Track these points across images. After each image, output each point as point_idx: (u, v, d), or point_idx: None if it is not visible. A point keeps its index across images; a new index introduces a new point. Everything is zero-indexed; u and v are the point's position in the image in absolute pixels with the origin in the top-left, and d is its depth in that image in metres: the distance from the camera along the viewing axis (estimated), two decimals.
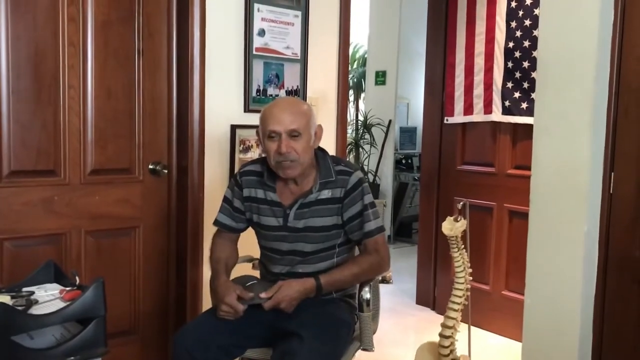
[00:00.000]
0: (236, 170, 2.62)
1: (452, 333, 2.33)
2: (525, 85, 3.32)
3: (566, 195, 2.19)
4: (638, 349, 2.14)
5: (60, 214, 2.45)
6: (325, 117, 3.05)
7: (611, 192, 2.17)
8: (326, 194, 2.03)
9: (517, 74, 3.36)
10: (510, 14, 3.38)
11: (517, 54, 3.35)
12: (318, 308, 1.98)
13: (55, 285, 1.72)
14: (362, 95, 6.93)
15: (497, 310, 3.57)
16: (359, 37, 6.64)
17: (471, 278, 2.36)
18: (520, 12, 3.32)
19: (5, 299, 1.49)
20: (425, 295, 4.11)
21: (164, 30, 2.67)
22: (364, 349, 2.10)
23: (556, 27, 2.23)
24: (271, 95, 2.88)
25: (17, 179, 2.35)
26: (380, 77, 6.34)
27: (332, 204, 2.03)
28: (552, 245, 2.25)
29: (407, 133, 6.66)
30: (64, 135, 2.43)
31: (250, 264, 2.38)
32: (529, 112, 3.22)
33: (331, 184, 2.03)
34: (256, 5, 2.80)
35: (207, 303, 2.56)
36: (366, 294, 2.03)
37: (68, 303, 1.51)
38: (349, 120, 5.10)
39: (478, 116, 3.63)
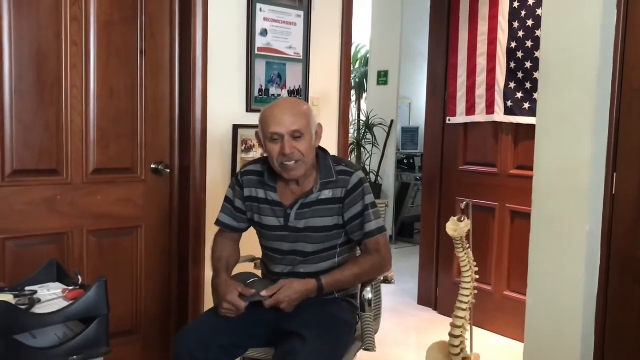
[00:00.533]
0: (238, 170, 2.62)
1: (461, 332, 2.33)
2: (528, 85, 3.32)
3: (568, 195, 2.19)
4: None
5: (63, 214, 2.45)
6: (327, 117, 3.05)
7: (613, 192, 2.17)
8: (327, 194, 2.03)
9: (520, 74, 3.36)
10: (513, 14, 3.38)
11: (520, 54, 3.34)
12: (320, 308, 1.98)
13: (57, 284, 1.72)
14: (364, 95, 6.93)
15: (499, 310, 3.57)
16: (361, 37, 6.64)
17: (477, 276, 2.36)
18: (523, 12, 3.32)
19: (8, 298, 1.49)
20: (427, 295, 4.11)
21: (166, 30, 2.67)
22: (365, 349, 2.10)
23: (559, 27, 2.22)
24: (273, 95, 2.88)
25: (19, 179, 2.35)
26: (383, 77, 6.34)
27: (333, 204, 2.03)
28: (554, 246, 2.24)
29: (409, 133, 6.65)
30: (67, 134, 2.43)
31: (252, 264, 2.38)
32: (531, 112, 3.21)
33: (332, 184, 2.03)
34: (258, 5, 2.80)
35: (208, 303, 2.56)
36: (368, 294, 2.03)
37: (71, 302, 1.51)
38: (350, 120, 5.10)
39: (480, 116, 3.63)
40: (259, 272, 2.27)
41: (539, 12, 3.17)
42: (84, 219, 2.51)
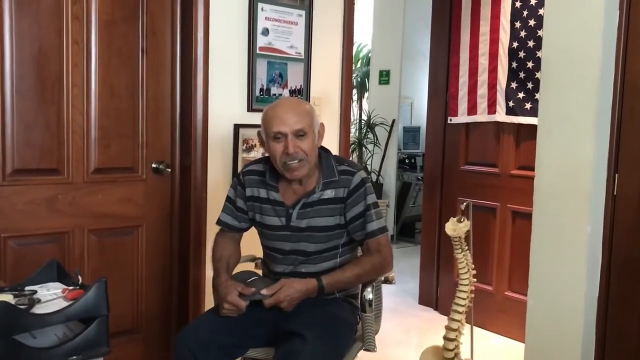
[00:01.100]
0: (239, 169, 2.62)
1: (456, 336, 2.32)
2: (530, 85, 3.31)
3: (570, 196, 2.18)
4: None
5: (64, 213, 2.45)
6: (329, 117, 3.05)
7: (615, 193, 2.16)
8: (329, 193, 2.03)
9: (521, 74, 3.35)
10: (515, 14, 3.37)
11: (521, 54, 3.34)
12: (320, 308, 1.98)
13: (58, 284, 1.71)
14: (366, 94, 6.92)
15: (500, 311, 3.57)
16: (363, 37, 6.63)
17: (475, 279, 2.35)
18: (525, 12, 3.31)
19: (8, 298, 1.49)
20: (428, 295, 4.10)
21: (167, 29, 2.67)
22: (366, 349, 2.10)
23: (560, 27, 2.22)
24: (275, 94, 2.87)
25: (20, 178, 2.35)
26: (384, 77, 6.33)
27: (335, 204, 2.03)
28: (556, 246, 2.24)
29: (411, 133, 6.65)
30: (68, 134, 2.43)
31: (253, 264, 2.38)
32: (533, 112, 3.21)
33: (334, 184, 2.03)
34: (260, 5, 2.79)
35: (209, 303, 2.56)
36: (369, 294, 2.03)
37: (71, 302, 1.51)
38: (352, 119, 5.09)
39: (482, 116, 3.62)
40: (259, 272, 2.26)
41: (540, 12, 3.17)
42: (85, 219, 2.51)
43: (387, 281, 2.20)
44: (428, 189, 4.16)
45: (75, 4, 2.40)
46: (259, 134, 2.07)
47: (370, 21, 6.45)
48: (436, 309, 4.03)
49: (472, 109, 3.68)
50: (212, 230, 2.34)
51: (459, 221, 2.30)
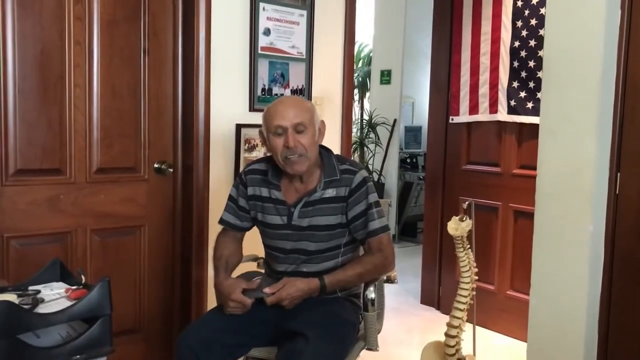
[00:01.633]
0: (241, 169, 2.62)
1: (457, 333, 2.33)
2: (531, 84, 3.31)
3: (572, 195, 2.18)
4: None
5: (66, 213, 2.46)
6: (330, 116, 3.05)
7: (617, 192, 2.16)
8: (330, 192, 2.03)
9: (523, 74, 3.35)
10: (516, 14, 3.37)
11: (523, 54, 3.34)
12: (323, 307, 1.98)
13: (61, 284, 1.72)
14: (367, 94, 6.92)
15: (502, 310, 3.57)
16: (364, 36, 6.64)
17: (477, 278, 2.36)
18: (526, 12, 3.31)
19: (12, 297, 1.49)
20: (430, 294, 4.10)
21: (169, 29, 2.67)
22: (368, 349, 2.10)
23: (562, 27, 2.22)
24: (276, 94, 2.88)
25: (23, 178, 2.36)
26: (386, 76, 6.33)
27: (336, 203, 2.03)
28: (558, 246, 2.24)
29: (412, 132, 6.65)
30: (70, 134, 2.44)
31: (255, 263, 2.38)
32: (535, 111, 3.21)
33: (336, 183, 2.03)
34: (261, 5, 2.80)
35: (211, 302, 2.56)
36: (371, 293, 2.03)
37: (74, 302, 1.51)
38: (353, 119, 5.09)
39: (483, 116, 3.62)
40: (262, 272, 2.26)
41: (542, 11, 3.16)
42: (87, 218, 2.51)
43: (389, 280, 2.20)
44: (430, 188, 4.16)
45: (77, 5, 2.40)
46: (260, 133, 2.08)
47: (372, 21, 6.45)
48: (438, 308, 4.03)
49: (473, 109, 3.68)
50: (214, 229, 2.34)
51: (461, 220, 2.30)
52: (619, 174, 2.15)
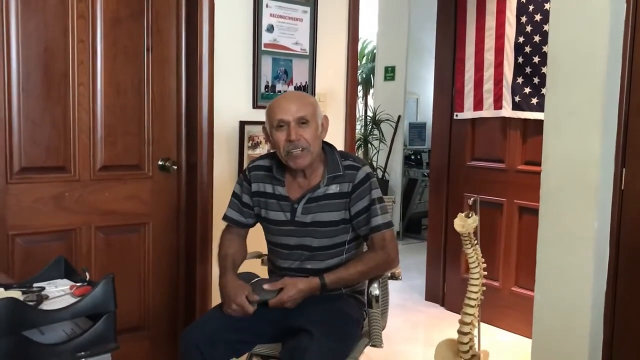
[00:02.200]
0: (245, 166, 2.62)
1: (470, 329, 2.32)
2: (536, 80, 3.30)
3: (577, 191, 2.17)
4: None
5: (71, 210, 2.46)
6: (334, 113, 3.04)
7: (622, 188, 2.15)
8: (334, 188, 2.03)
9: (528, 69, 3.34)
10: (521, 9, 3.36)
11: (528, 49, 3.32)
12: (327, 304, 1.98)
13: (65, 281, 1.72)
14: (371, 90, 6.91)
15: (507, 306, 3.56)
16: (368, 33, 6.62)
17: (485, 273, 2.35)
18: (531, 7, 3.30)
19: (17, 294, 1.50)
20: (435, 291, 4.10)
21: (172, 26, 2.67)
22: (372, 345, 2.10)
23: (567, 22, 2.20)
24: (280, 91, 2.87)
25: (27, 175, 2.36)
26: (390, 73, 6.32)
27: (339, 199, 2.03)
28: (563, 242, 2.23)
29: (416, 129, 6.63)
30: (74, 131, 2.44)
31: (259, 260, 2.38)
32: (539, 107, 3.20)
33: (339, 179, 2.03)
34: (265, 1, 2.79)
35: (216, 299, 2.56)
36: (375, 290, 2.03)
37: (78, 299, 1.51)
38: (357, 116, 5.09)
39: (488, 112, 3.61)
40: (265, 269, 2.27)
41: (547, 6, 3.15)
42: (92, 216, 2.52)
43: (394, 277, 2.20)
44: (434, 185, 4.15)
45: (81, 2, 2.40)
46: (264, 129, 2.08)
47: (376, 17, 6.44)
48: (443, 305, 4.02)
49: (478, 105, 3.67)
50: (218, 227, 2.34)
51: (467, 217, 2.30)
52: (624, 169, 2.14)
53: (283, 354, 1.87)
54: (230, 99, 2.75)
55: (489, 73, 3.58)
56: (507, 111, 3.48)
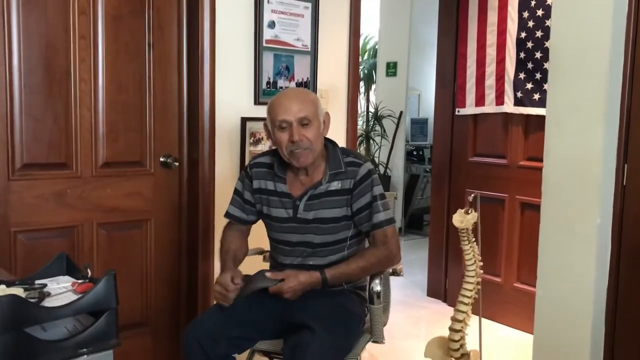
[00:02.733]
0: (246, 162, 2.62)
1: (462, 327, 2.32)
2: (538, 76, 3.29)
3: (579, 187, 2.17)
4: None
5: (73, 207, 2.47)
6: (336, 109, 3.04)
7: (624, 184, 2.15)
8: (336, 185, 2.03)
9: (529, 65, 3.33)
10: (523, 4, 3.35)
11: (530, 45, 3.31)
12: (329, 300, 1.98)
13: (67, 277, 1.72)
14: (373, 86, 6.90)
15: (509, 302, 3.56)
16: (370, 28, 6.61)
17: (482, 271, 2.35)
18: (533, 2, 3.29)
19: (19, 291, 1.50)
20: (436, 287, 4.10)
21: (174, 23, 2.67)
22: (374, 341, 2.11)
23: (569, 17, 2.20)
24: (281, 87, 2.87)
25: (29, 172, 2.36)
26: (391, 69, 6.31)
27: (341, 195, 2.03)
28: (564, 238, 2.23)
29: (418, 124, 6.63)
30: (76, 128, 2.44)
31: (261, 257, 2.38)
32: (541, 103, 3.19)
33: (341, 175, 2.03)
34: None
35: None
36: (377, 286, 2.03)
37: (80, 295, 1.51)
38: (359, 112, 5.08)
39: (490, 107, 3.61)
40: (267, 265, 2.27)
41: (549, 1, 3.14)
42: (94, 213, 2.52)
43: (395, 273, 2.20)
44: (436, 181, 4.15)
45: None
46: (265, 125, 2.08)
47: (377, 13, 6.42)
48: (445, 300, 4.03)
49: (480, 100, 3.67)
50: (220, 223, 2.34)
51: (467, 213, 2.29)
52: (626, 165, 2.14)
53: (285, 350, 1.88)
54: (232, 96, 2.75)
55: (490, 69, 3.57)
56: (509, 107, 3.48)
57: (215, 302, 2.05)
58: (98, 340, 1.48)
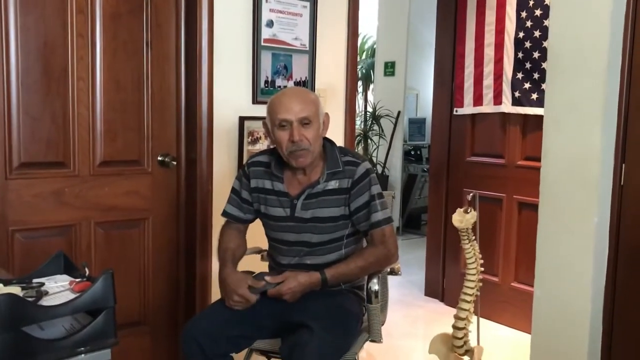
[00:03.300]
0: (245, 161, 2.62)
1: (465, 324, 2.33)
2: (536, 75, 3.30)
3: (576, 186, 2.18)
4: None
5: (70, 206, 2.46)
6: (334, 109, 3.04)
7: (622, 183, 2.15)
8: (333, 184, 2.03)
9: (528, 65, 3.33)
10: (521, 4, 3.35)
11: (528, 44, 3.32)
12: (327, 300, 1.98)
13: (65, 276, 1.72)
14: (371, 86, 6.90)
15: (506, 302, 3.57)
16: (368, 28, 6.61)
17: (482, 269, 2.36)
18: (531, 2, 3.29)
19: (16, 290, 1.50)
20: (434, 286, 4.11)
21: (172, 22, 2.66)
22: (372, 341, 2.11)
23: (567, 17, 2.20)
24: (279, 86, 2.87)
25: (27, 171, 2.36)
26: (389, 68, 6.31)
27: (339, 195, 2.03)
28: (562, 237, 2.23)
29: (416, 124, 6.63)
30: (74, 127, 2.44)
31: (259, 256, 2.38)
32: (539, 102, 3.19)
33: (339, 175, 2.03)
34: None
35: (216, 294, 2.57)
36: (374, 285, 2.03)
37: (78, 294, 1.51)
38: (357, 111, 5.08)
39: (488, 107, 3.61)
40: (265, 264, 2.27)
41: (547, 1, 3.14)
42: (92, 211, 2.52)
43: (393, 272, 2.20)
44: (434, 180, 4.15)
45: None
46: (264, 124, 2.08)
47: (376, 12, 6.43)
48: (442, 300, 4.03)
49: (477, 100, 3.67)
50: (218, 222, 2.34)
51: (466, 212, 2.30)
52: (624, 164, 2.14)
53: (283, 349, 1.88)
54: (230, 95, 2.75)
55: (488, 68, 3.58)
56: (507, 107, 3.48)
57: (213, 301, 2.05)
58: (96, 339, 1.48)
